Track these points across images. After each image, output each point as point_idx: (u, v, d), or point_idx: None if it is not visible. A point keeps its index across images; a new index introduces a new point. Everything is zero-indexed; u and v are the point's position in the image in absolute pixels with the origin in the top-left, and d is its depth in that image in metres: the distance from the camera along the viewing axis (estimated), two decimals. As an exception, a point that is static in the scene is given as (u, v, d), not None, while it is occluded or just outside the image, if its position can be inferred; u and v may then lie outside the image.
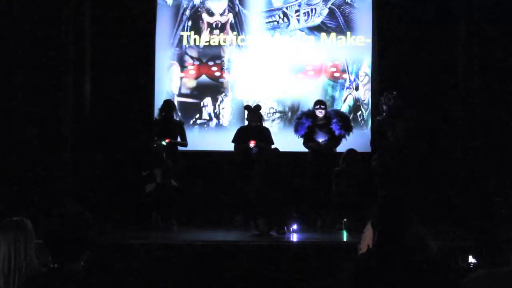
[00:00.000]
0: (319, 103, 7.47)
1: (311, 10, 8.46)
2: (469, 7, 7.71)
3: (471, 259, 3.91)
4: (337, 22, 8.43)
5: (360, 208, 6.46)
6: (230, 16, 8.47)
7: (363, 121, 8.24)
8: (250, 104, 7.72)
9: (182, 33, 8.45)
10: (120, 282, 4.80)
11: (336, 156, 7.28)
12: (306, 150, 7.46)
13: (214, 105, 8.40)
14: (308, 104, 7.96)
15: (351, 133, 7.44)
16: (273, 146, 7.32)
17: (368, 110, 8.28)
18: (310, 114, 7.44)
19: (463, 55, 7.84)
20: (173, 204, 7.11)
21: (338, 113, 7.64)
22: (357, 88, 8.37)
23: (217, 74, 8.43)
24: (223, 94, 8.41)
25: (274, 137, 7.54)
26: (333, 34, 8.40)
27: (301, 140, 7.46)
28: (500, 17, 7.41)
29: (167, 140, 7.29)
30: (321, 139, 7.28)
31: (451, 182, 7.74)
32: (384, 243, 2.53)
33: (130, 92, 8.06)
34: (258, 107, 7.58)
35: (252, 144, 7.25)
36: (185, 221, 7.28)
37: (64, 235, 2.48)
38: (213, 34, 8.45)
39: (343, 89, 8.39)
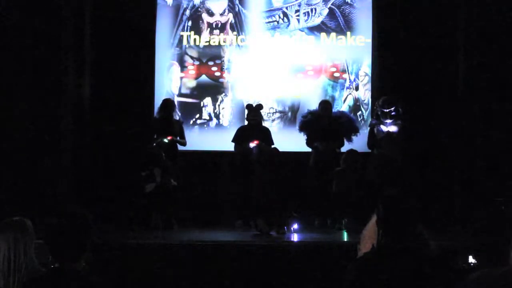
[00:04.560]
0: (325, 103, 7.49)
1: (311, 10, 8.46)
2: (469, 7, 7.71)
3: (471, 259, 3.92)
4: (337, 22, 8.43)
5: (360, 208, 6.46)
6: (230, 16, 8.47)
7: (363, 121, 8.24)
8: (252, 104, 7.71)
9: (182, 33, 8.45)
10: (120, 282, 4.80)
11: (338, 157, 7.28)
12: (306, 150, 7.47)
13: (214, 105, 8.40)
14: (308, 104, 7.98)
15: (358, 134, 7.48)
16: (272, 146, 7.32)
17: (368, 110, 8.28)
18: (315, 114, 7.46)
19: (463, 55, 7.84)
20: (173, 204, 7.11)
21: (345, 114, 7.67)
22: (357, 88, 8.37)
23: (217, 74, 8.43)
24: (223, 94, 8.41)
25: (274, 137, 7.54)
26: (333, 34, 8.40)
27: (301, 140, 7.47)
28: (500, 17, 7.41)
29: (169, 137, 7.30)
30: (325, 141, 7.28)
31: (451, 182, 7.74)
32: (389, 242, 2.53)
33: (130, 92, 8.06)
34: (260, 106, 7.58)
35: (254, 143, 7.24)
36: (185, 221, 7.28)
37: (64, 235, 2.48)
38: (213, 34, 8.45)
39: (343, 89, 8.39)
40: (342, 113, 7.74)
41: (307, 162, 7.44)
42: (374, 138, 7.21)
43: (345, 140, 7.44)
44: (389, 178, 6.82)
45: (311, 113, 7.54)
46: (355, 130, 7.47)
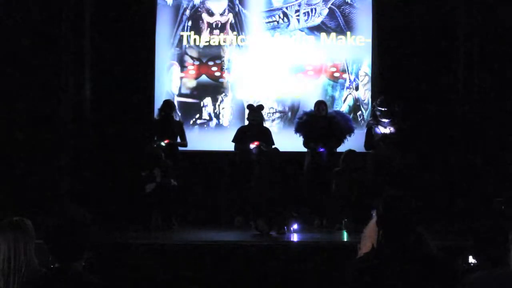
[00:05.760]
0: (320, 103, 7.49)
1: (311, 10, 8.46)
2: (469, 7, 7.71)
3: (471, 259, 3.91)
4: (337, 22, 8.43)
5: (360, 208, 6.46)
6: (230, 16, 8.47)
7: (363, 121, 8.24)
8: (253, 104, 7.71)
9: (182, 33, 8.45)
10: (120, 282, 4.80)
11: (336, 157, 7.28)
12: (306, 150, 7.46)
13: (214, 105, 8.40)
14: (308, 104, 7.97)
15: (352, 134, 7.46)
16: (273, 147, 7.33)
17: (368, 110, 8.27)
18: (311, 114, 7.46)
19: (463, 55, 7.85)
20: (173, 204, 7.12)
21: (340, 114, 7.67)
22: (357, 88, 8.38)
23: (217, 74, 8.43)
24: (223, 94, 8.41)
25: (274, 137, 7.55)
26: (333, 34, 8.40)
27: (301, 140, 7.47)
28: (499, 16, 7.40)
29: (166, 141, 7.32)
30: (321, 142, 7.28)
31: (451, 182, 7.73)
32: (389, 242, 2.53)
33: (130, 92, 8.06)
34: (261, 107, 7.58)
35: (254, 144, 7.24)
36: (185, 221, 7.29)
37: (64, 235, 2.48)
38: (213, 34, 8.45)
39: (343, 89, 8.39)
40: (337, 112, 7.74)
41: (307, 162, 7.44)
42: (372, 138, 7.20)
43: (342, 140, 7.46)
44: (386, 178, 6.83)
45: (306, 114, 7.54)
46: (350, 130, 7.45)
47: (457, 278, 2.58)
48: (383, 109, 7.13)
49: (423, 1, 8.07)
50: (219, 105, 8.40)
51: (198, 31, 8.46)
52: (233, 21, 8.46)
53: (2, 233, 3.00)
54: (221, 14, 8.48)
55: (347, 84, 8.39)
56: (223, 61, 8.43)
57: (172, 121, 7.52)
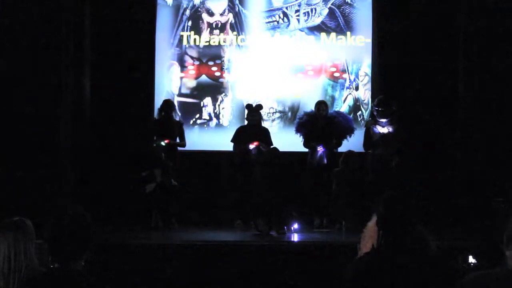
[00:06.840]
0: (320, 103, 7.49)
1: (311, 10, 8.46)
2: (469, 7, 7.71)
3: (471, 259, 3.92)
4: (337, 22, 8.43)
5: (360, 208, 6.47)
6: (230, 16, 8.47)
7: (363, 121, 8.23)
8: (251, 104, 7.72)
9: (182, 33, 8.45)
10: (120, 282, 4.80)
11: (336, 157, 7.28)
12: (306, 150, 7.47)
13: (214, 105, 8.41)
14: (308, 104, 7.98)
15: (352, 134, 7.46)
16: (272, 146, 7.33)
17: (368, 110, 8.28)
18: (312, 114, 7.46)
19: (462, 55, 7.84)
20: (173, 204, 7.12)
21: (340, 114, 7.67)
22: (357, 88, 8.38)
23: (217, 74, 8.43)
24: (223, 94, 8.41)
25: (274, 137, 7.55)
26: (333, 34, 8.40)
27: (300, 140, 7.47)
28: (499, 17, 7.40)
29: (166, 141, 7.33)
30: (322, 142, 7.28)
31: (452, 182, 7.73)
32: (389, 242, 2.53)
33: (130, 92, 8.06)
34: (259, 107, 7.58)
35: (253, 145, 7.24)
36: (185, 221, 7.29)
37: (64, 235, 2.48)
38: (213, 34, 8.45)
39: (343, 89, 8.39)
40: (338, 113, 7.74)
41: (307, 162, 7.44)
42: (370, 138, 7.18)
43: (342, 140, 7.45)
44: (385, 179, 6.82)
45: (306, 114, 7.54)
46: (351, 130, 7.45)
47: (457, 278, 2.58)
48: (380, 108, 7.12)
49: (423, 1, 8.07)
50: (219, 105, 8.40)
51: (198, 31, 8.46)
52: (233, 21, 8.46)
53: (2, 233, 3.00)
54: (221, 14, 8.48)
55: (347, 84, 8.39)
56: (223, 61, 8.43)
57: (172, 121, 7.52)
